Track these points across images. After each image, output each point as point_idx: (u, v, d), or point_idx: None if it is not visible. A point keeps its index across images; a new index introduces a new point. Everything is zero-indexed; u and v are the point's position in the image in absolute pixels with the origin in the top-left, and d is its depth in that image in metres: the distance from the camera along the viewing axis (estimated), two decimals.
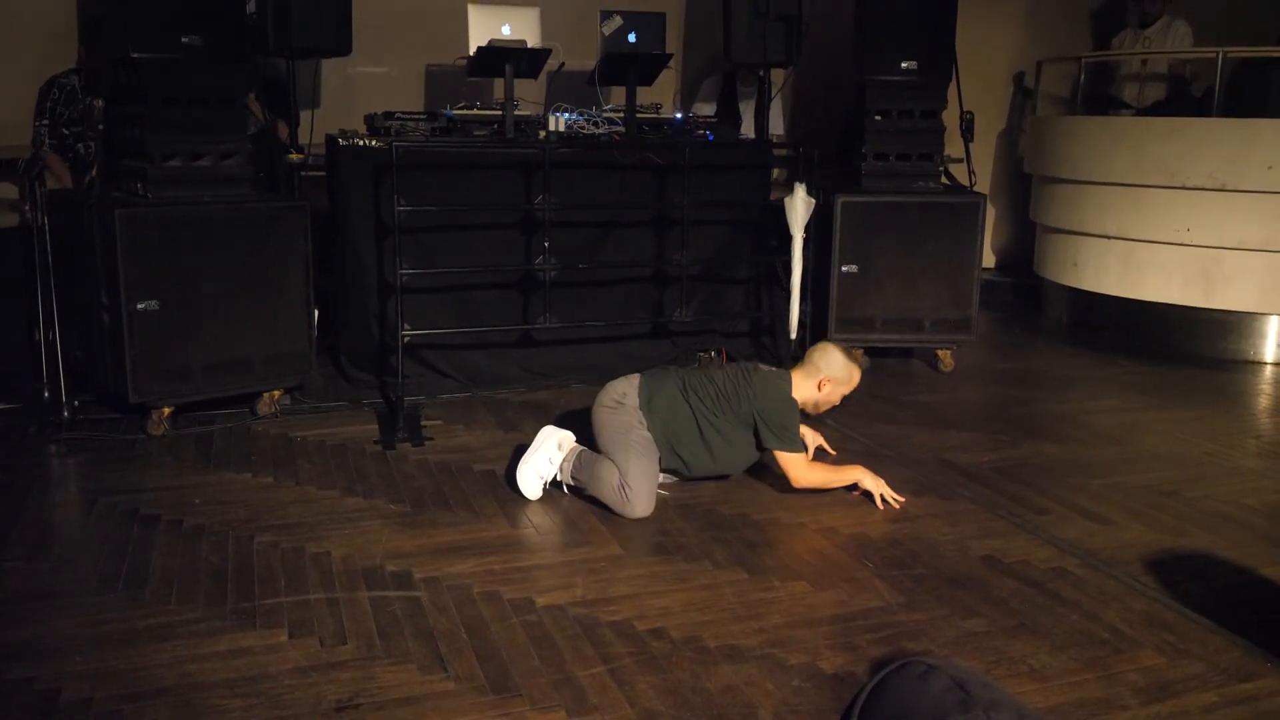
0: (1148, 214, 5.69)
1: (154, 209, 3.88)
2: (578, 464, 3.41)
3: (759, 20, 4.94)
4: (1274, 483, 3.79)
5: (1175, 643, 2.60)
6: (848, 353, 3.64)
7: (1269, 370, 5.47)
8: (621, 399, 3.44)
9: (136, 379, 3.86)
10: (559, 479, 3.45)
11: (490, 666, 2.42)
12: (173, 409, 4.02)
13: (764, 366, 3.63)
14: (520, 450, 3.54)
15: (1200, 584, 2.94)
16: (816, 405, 3.60)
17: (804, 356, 3.66)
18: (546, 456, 3.44)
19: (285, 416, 4.23)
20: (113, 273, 3.80)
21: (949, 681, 0.99)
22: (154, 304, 3.84)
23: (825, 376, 3.55)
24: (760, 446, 3.48)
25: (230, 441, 3.95)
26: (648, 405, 3.41)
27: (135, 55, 3.80)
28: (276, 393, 4.25)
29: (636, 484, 3.29)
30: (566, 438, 3.49)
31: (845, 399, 3.68)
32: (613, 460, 3.35)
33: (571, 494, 3.44)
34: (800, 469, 3.44)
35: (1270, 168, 5.31)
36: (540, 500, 3.43)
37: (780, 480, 3.53)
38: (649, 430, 3.39)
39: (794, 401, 3.47)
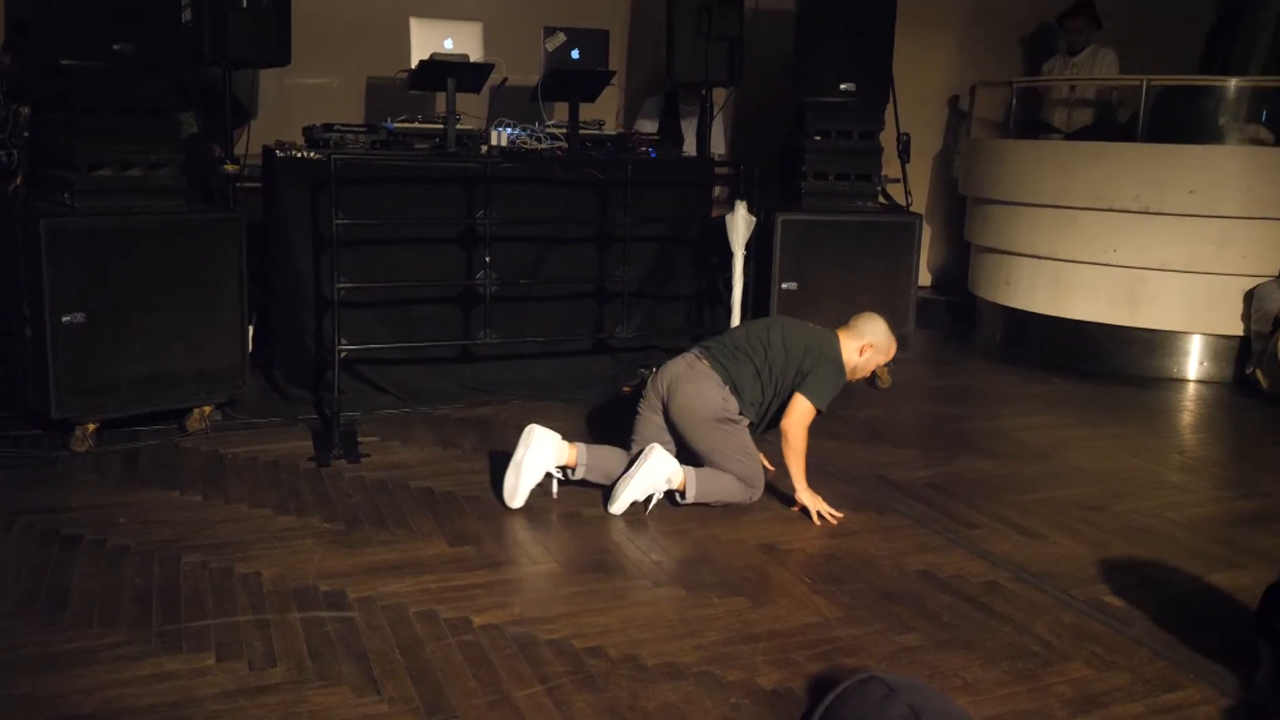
0: (1076, 235, 5.84)
1: (81, 219, 3.77)
2: (702, 491, 3.46)
3: (701, 40, 4.99)
4: (1196, 497, 3.90)
5: (1103, 654, 2.66)
6: (891, 325, 3.75)
7: (1191, 387, 5.64)
8: (726, 403, 3.48)
9: (60, 394, 3.74)
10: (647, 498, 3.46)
11: (425, 688, 2.39)
12: (98, 425, 3.91)
13: (808, 324, 3.74)
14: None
15: (1126, 596, 3.00)
16: (854, 370, 3.68)
17: (849, 322, 3.75)
18: (650, 489, 3.43)
19: (216, 433, 4.14)
20: (36, 284, 3.69)
21: (907, 710, 1.00)
22: (79, 316, 3.73)
23: (869, 342, 3.66)
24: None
25: (158, 459, 3.85)
26: (740, 394, 3.51)
27: (64, 62, 3.71)
28: (207, 408, 4.16)
29: (757, 480, 3.51)
30: (676, 473, 3.44)
31: (874, 372, 3.81)
32: (728, 462, 3.48)
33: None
34: (805, 421, 3.50)
35: (1192, 192, 5.48)
36: (478, 517, 3.40)
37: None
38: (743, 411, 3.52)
39: (844, 369, 3.60)
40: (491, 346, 4.62)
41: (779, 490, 3.66)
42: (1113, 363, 5.85)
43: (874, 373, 5.26)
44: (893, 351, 3.77)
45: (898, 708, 1.00)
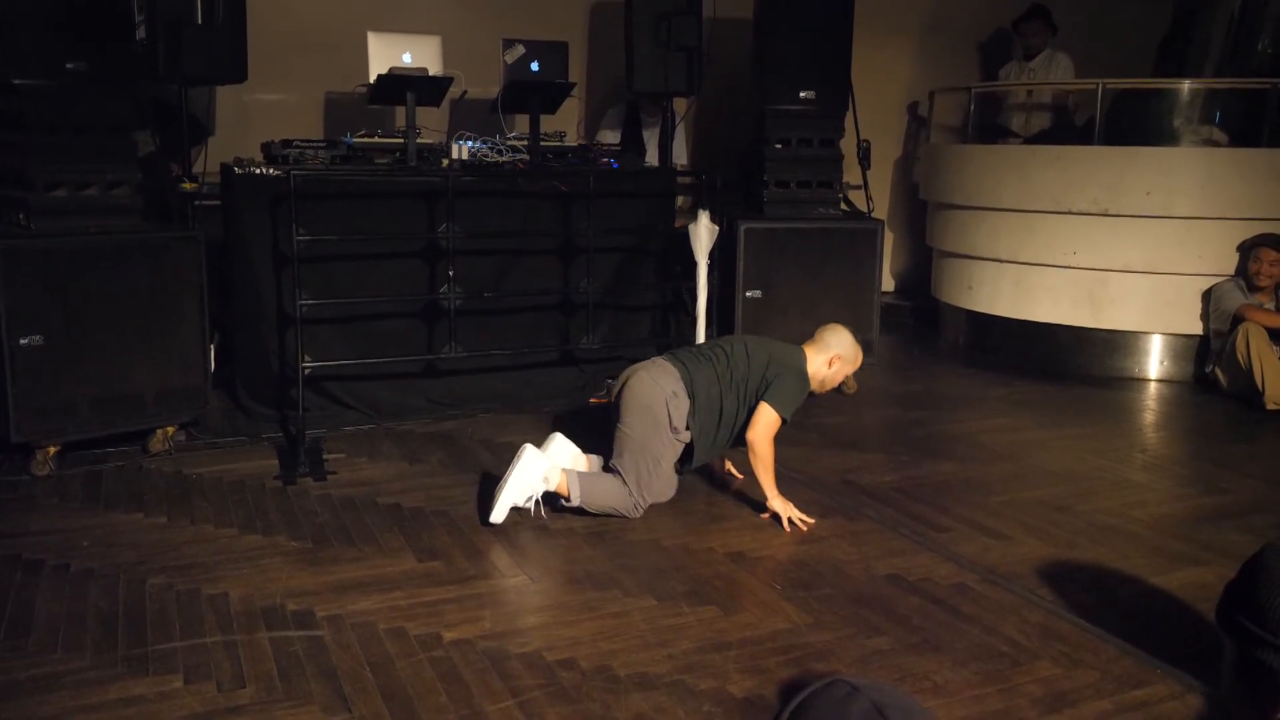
0: (1037, 238, 5.91)
1: (37, 240, 3.73)
2: (586, 493, 3.43)
3: (660, 50, 5.01)
4: (1159, 495, 3.95)
5: (1070, 653, 2.68)
6: (855, 334, 3.79)
7: (1153, 387, 5.72)
8: (675, 398, 3.45)
9: (19, 417, 3.69)
10: (527, 504, 3.42)
11: (396, 705, 2.37)
12: (59, 448, 3.85)
13: (772, 340, 3.75)
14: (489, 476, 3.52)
15: (1093, 595, 3.04)
16: (823, 383, 3.71)
17: (814, 335, 3.76)
18: (527, 491, 3.39)
19: (180, 453, 4.09)
20: None
21: (869, 705, 1.01)
22: (37, 338, 3.68)
23: (836, 354, 3.69)
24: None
25: (121, 481, 3.80)
26: (694, 394, 3.48)
27: (17, 81, 3.66)
28: (170, 429, 4.11)
29: (648, 497, 3.48)
30: (553, 471, 3.41)
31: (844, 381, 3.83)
32: (632, 462, 3.44)
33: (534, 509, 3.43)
34: (771, 431, 3.50)
35: (1149, 193, 5.57)
36: (446, 532, 3.38)
37: (684, 504, 3.55)
38: (689, 424, 3.49)
39: (809, 379, 3.61)
40: (457, 360, 4.60)
41: (749, 497, 3.68)
42: (1075, 364, 5.92)
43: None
44: (859, 360, 3.81)
45: (860, 704, 1.01)
